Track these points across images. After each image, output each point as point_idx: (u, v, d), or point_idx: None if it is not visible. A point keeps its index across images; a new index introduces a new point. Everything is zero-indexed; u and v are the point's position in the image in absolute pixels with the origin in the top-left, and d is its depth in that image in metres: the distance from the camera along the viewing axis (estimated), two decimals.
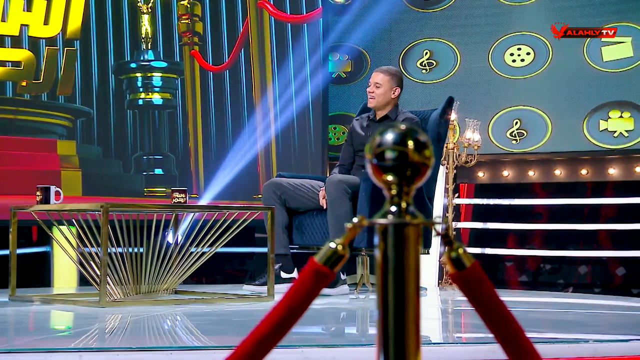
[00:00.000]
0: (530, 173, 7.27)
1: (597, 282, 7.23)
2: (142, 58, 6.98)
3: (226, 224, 4.47)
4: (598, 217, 7.18)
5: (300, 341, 2.76)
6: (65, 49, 6.64)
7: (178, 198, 4.57)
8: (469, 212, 7.37)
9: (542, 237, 7.27)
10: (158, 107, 7.02)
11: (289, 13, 7.24)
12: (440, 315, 4.44)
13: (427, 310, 4.16)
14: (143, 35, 6.96)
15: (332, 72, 7.59)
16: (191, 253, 4.54)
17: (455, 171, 6.47)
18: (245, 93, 7.14)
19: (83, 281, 5.77)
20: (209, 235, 4.47)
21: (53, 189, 4.48)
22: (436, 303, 5.05)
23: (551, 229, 7.06)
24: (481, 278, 1.41)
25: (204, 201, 6.81)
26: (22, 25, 6.49)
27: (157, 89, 7.03)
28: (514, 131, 7.22)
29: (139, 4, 6.93)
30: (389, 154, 1.31)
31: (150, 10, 6.95)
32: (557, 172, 7.21)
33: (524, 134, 7.21)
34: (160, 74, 7.03)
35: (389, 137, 1.32)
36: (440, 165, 6.16)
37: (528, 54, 7.27)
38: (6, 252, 4.66)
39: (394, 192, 1.33)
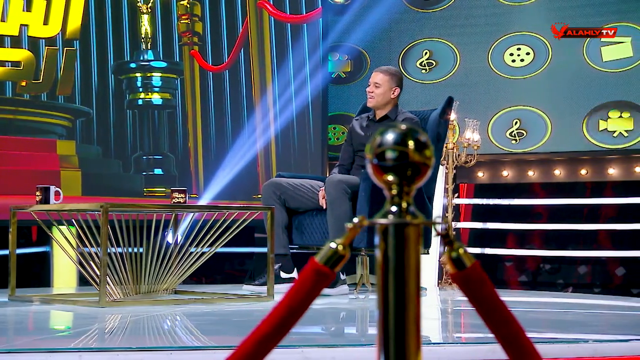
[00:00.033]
0: (530, 173, 7.27)
1: (596, 282, 7.23)
2: (141, 58, 6.98)
3: (226, 224, 4.47)
4: (598, 217, 7.18)
5: (300, 341, 2.76)
6: (65, 49, 6.64)
7: (178, 198, 4.57)
8: (468, 212, 7.37)
9: (541, 237, 7.27)
10: (158, 107, 7.02)
11: (288, 13, 7.24)
12: (440, 315, 4.44)
13: (427, 310, 4.16)
14: (143, 35, 6.96)
15: (331, 72, 7.59)
16: (191, 253, 4.54)
17: (454, 171, 6.47)
18: (244, 93, 7.14)
19: (83, 281, 5.77)
20: (208, 235, 4.47)
21: (53, 189, 4.48)
22: (436, 303, 5.05)
23: (551, 229, 7.06)
24: (482, 278, 1.41)
25: (203, 201, 6.81)
26: (21, 25, 6.49)
27: (156, 89, 7.03)
28: (513, 131, 7.22)
29: (139, 4, 6.93)
30: (390, 154, 1.31)
31: (149, 10, 6.95)
32: (557, 172, 7.21)
33: (523, 134, 7.21)
34: (159, 74, 7.03)
35: (390, 137, 1.32)
36: (440, 165, 6.16)
37: (528, 54, 7.27)
38: (6, 252, 4.66)
39: (394, 192, 1.33)
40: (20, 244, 5.85)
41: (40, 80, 6.55)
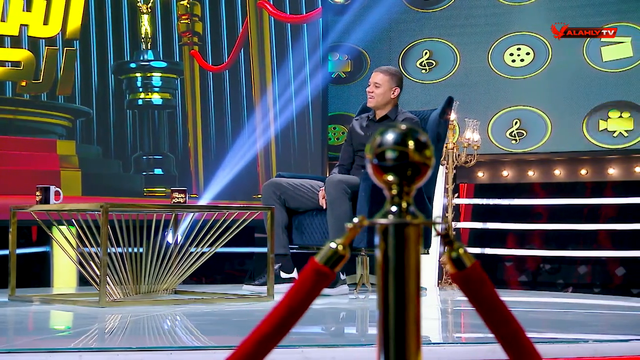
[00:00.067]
0: (530, 173, 7.27)
1: (596, 282, 7.23)
2: (141, 58, 6.98)
3: (226, 224, 4.47)
4: (598, 217, 7.18)
5: (300, 341, 2.76)
6: (65, 49, 6.64)
7: (178, 198, 4.57)
8: (468, 212, 7.37)
9: (541, 237, 7.27)
10: (158, 107, 7.02)
11: (288, 13, 7.24)
12: (440, 315, 4.44)
13: (426, 310, 4.16)
14: (143, 35, 6.96)
15: (331, 72, 7.59)
16: (191, 253, 4.54)
17: (454, 171, 6.47)
18: (244, 93, 7.14)
19: (83, 281, 5.77)
20: (208, 235, 4.47)
21: (53, 189, 4.48)
22: (436, 303, 5.05)
23: (551, 229, 7.06)
24: (482, 278, 1.41)
25: (203, 201, 6.81)
26: (21, 25, 6.49)
27: (156, 89, 7.03)
28: (513, 131, 7.22)
29: (139, 4, 6.93)
30: (390, 154, 1.31)
31: (149, 10, 6.95)
32: (557, 172, 7.21)
33: (523, 134, 7.21)
34: (159, 74, 7.03)
35: (390, 137, 1.32)
36: (440, 165, 6.16)
37: (528, 54, 7.27)
38: (6, 252, 4.66)
39: (394, 192, 1.33)
40: (20, 244, 5.85)
41: (40, 80, 6.55)
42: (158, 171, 6.99)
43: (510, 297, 5.25)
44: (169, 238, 4.60)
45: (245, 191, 6.93)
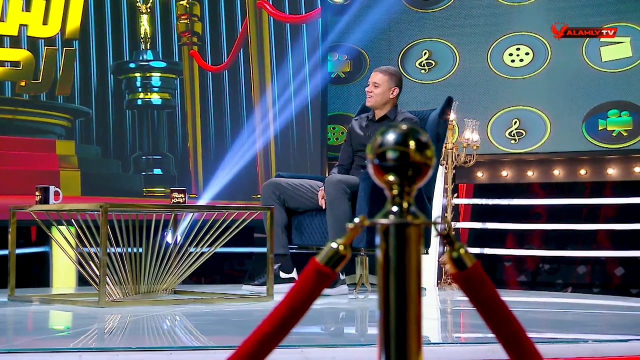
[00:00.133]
0: (529, 173, 7.27)
1: (596, 282, 7.23)
2: (141, 58, 6.98)
3: (225, 224, 4.47)
4: (597, 217, 7.18)
5: (300, 341, 2.76)
6: (64, 49, 6.63)
7: (177, 198, 4.57)
8: (467, 212, 7.37)
9: (541, 237, 7.28)
10: (157, 107, 7.02)
11: (288, 13, 7.24)
12: (439, 315, 4.44)
13: (426, 310, 4.15)
14: (142, 35, 6.96)
15: (331, 72, 7.59)
16: (190, 253, 4.54)
17: (454, 171, 6.47)
18: (244, 93, 7.14)
19: (82, 281, 5.77)
20: (208, 235, 4.47)
21: (52, 189, 4.47)
22: (436, 303, 5.05)
23: (550, 229, 7.06)
24: (482, 278, 1.41)
25: (203, 201, 6.81)
26: (21, 25, 6.49)
27: (156, 89, 7.03)
28: (512, 131, 7.22)
29: (138, 4, 6.93)
30: (391, 154, 1.31)
31: (149, 10, 6.95)
32: (556, 172, 7.21)
33: (522, 134, 7.21)
34: (159, 74, 7.03)
35: (391, 137, 1.32)
36: (439, 166, 6.16)
37: (527, 54, 7.27)
38: (5, 252, 4.66)
39: (395, 192, 1.33)
40: (19, 244, 5.85)
41: (40, 80, 6.55)
42: (157, 171, 6.98)
43: (509, 297, 5.25)
44: (169, 238, 4.60)
45: (245, 191, 6.93)
